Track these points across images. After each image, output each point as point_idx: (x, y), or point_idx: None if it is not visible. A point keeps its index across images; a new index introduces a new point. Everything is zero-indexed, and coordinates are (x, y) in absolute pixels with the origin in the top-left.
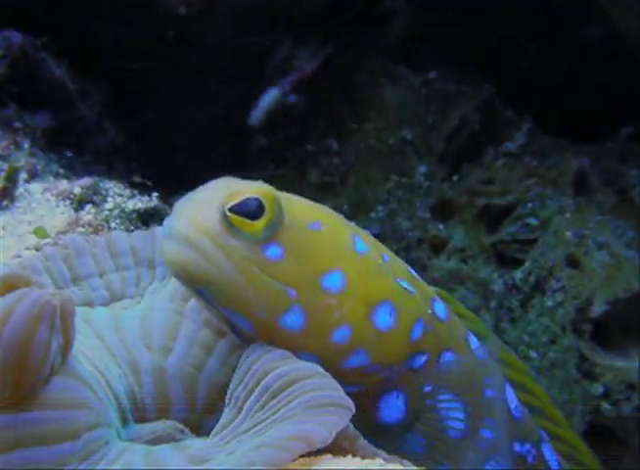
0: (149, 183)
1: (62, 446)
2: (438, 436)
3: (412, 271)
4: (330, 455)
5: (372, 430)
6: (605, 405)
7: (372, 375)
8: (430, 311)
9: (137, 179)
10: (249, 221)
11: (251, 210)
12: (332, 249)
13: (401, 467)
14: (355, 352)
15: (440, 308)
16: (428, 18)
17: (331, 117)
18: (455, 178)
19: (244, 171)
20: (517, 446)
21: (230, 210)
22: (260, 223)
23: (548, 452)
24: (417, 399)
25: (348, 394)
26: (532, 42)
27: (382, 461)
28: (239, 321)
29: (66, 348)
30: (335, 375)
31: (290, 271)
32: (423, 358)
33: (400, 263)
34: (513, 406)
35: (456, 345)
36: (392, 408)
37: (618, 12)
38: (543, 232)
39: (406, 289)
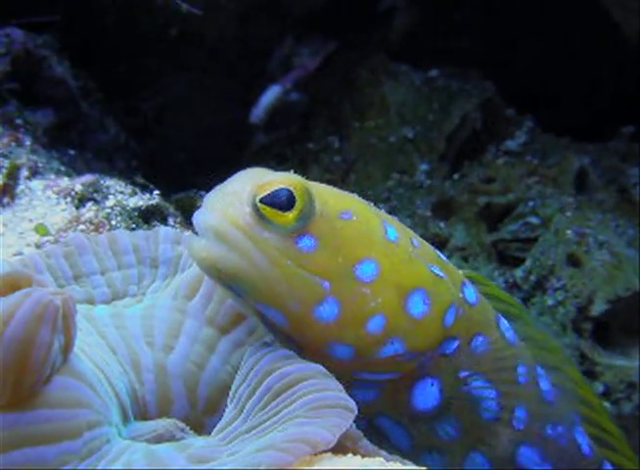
0: (151, 186)
1: (63, 445)
2: (472, 420)
3: (441, 255)
4: (330, 454)
5: (407, 416)
6: (605, 404)
7: (406, 362)
8: (461, 296)
9: (139, 180)
10: (280, 213)
11: (282, 201)
12: (364, 238)
13: (401, 467)
14: (390, 340)
15: (470, 292)
16: (429, 16)
17: (332, 115)
18: (456, 177)
19: (244, 169)
20: (549, 430)
21: (261, 201)
22: (292, 214)
23: (580, 436)
24: (451, 385)
25: (383, 381)
26: (534, 41)
27: (382, 460)
28: (272, 315)
29: (67, 347)
30: (370, 365)
31: (323, 262)
32: (455, 344)
33: (430, 249)
34: (545, 390)
35: (487, 328)
36: (427, 396)
37: (620, 11)
38: (544, 231)
39: (438, 275)
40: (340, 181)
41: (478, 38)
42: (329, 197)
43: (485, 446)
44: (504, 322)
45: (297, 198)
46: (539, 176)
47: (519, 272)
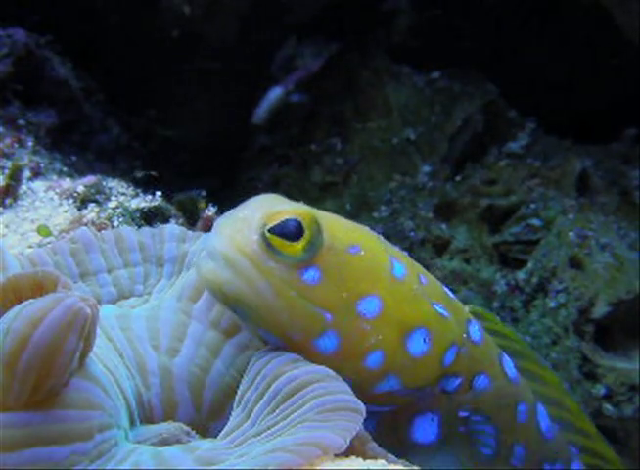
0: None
1: (74, 446)
2: (470, 456)
3: (447, 292)
4: (332, 455)
5: (404, 449)
6: (606, 406)
7: (402, 397)
8: (464, 335)
9: (139, 174)
10: (288, 243)
11: (290, 231)
12: (370, 274)
13: (403, 467)
14: (387, 377)
15: (475, 330)
16: (431, 17)
17: (334, 117)
18: (458, 178)
19: (246, 170)
20: (546, 467)
21: (269, 230)
22: (299, 245)
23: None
24: (451, 421)
25: (381, 413)
26: (536, 43)
27: (384, 462)
28: (273, 341)
29: (85, 352)
30: (366, 398)
31: (326, 295)
32: (456, 381)
33: (436, 285)
34: (544, 428)
35: (490, 367)
36: (426, 430)
37: (621, 14)
38: (546, 233)
39: (441, 314)
40: (342, 183)
41: (480, 40)
42: (338, 229)
43: None
44: (507, 360)
45: (305, 229)
46: (541, 178)
47: (520, 274)
